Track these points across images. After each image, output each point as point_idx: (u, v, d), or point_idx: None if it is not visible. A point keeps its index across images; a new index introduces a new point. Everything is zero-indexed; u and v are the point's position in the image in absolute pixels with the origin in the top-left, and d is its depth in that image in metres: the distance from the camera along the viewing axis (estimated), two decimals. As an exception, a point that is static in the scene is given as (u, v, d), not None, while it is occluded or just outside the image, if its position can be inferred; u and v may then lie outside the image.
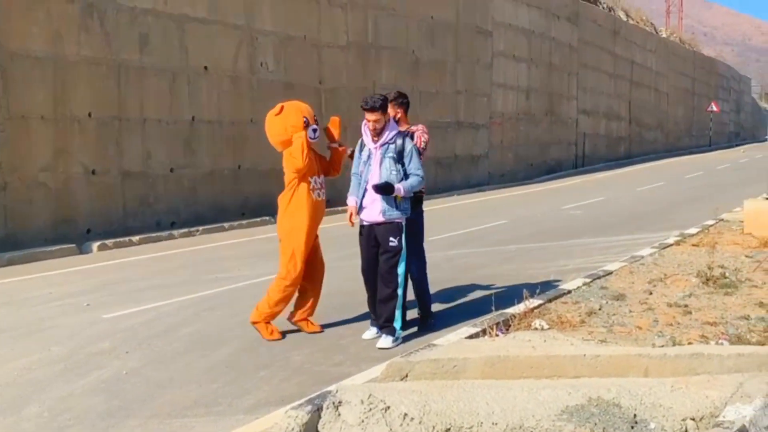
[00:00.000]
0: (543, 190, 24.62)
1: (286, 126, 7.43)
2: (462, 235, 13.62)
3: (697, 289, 7.87)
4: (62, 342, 7.26)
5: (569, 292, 7.88)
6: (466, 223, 14.99)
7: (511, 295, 8.17)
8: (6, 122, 12.48)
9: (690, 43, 62.60)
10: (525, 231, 14.41)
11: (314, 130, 7.38)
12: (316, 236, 7.60)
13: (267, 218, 16.98)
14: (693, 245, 10.65)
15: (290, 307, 7.60)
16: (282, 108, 7.56)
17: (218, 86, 16.56)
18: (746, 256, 9.61)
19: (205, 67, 16.20)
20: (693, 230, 12.41)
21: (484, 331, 6.18)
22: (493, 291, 8.23)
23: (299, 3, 18.63)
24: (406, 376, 5.25)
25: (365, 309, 7.64)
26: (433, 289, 7.92)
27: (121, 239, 13.72)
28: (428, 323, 7.47)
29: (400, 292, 6.95)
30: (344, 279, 9.24)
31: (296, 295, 7.59)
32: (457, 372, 5.21)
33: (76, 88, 13.60)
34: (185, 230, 15.06)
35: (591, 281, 8.41)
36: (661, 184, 25.43)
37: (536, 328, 6.25)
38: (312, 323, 7.56)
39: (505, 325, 6.35)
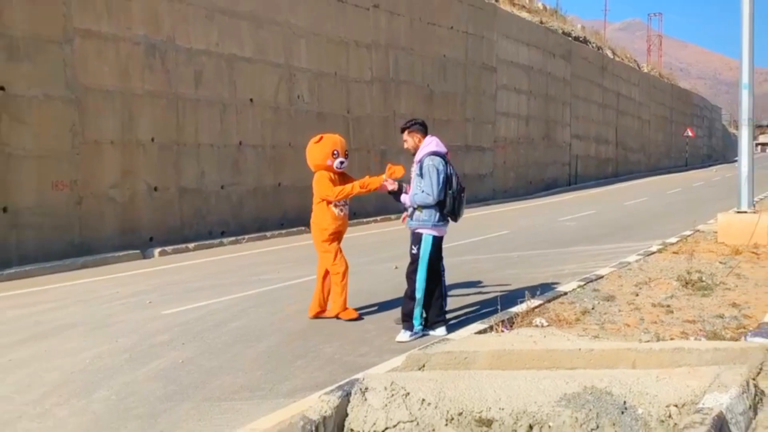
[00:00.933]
0: (541, 204, 24.44)
1: (320, 153, 7.53)
2: (470, 244, 13.53)
3: (677, 291, 7.73)
4: (127, 335, 7.26)
5: (566, 293, 7.77)
6: (473, 233, 14.89)
7: (514, 295, 8.09)
8: (81, 146, 12.57)
9: (668, 77, 62.14)
10: (525, 240, 14.30)
11: (341, 162, 7.51)
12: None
13: (303, 228, 16.96)
14: (674, 253, 10.47)
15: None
16: (321, 138, 7.63)
17: (261, 115, 16.60)
18: (720, 263, 9.43)
19: (251, 99, 16.25)
20: (673, 239, 12.24)
21: (491, 328, 6.10)
22: (498, 292, 8.15)
23: (331, 44, 18.66)
24: (424, 366, 5.18)
25: (387, 308, 7.61)
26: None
27: (179, 246, 13.75)
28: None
29: (418, 295, 6.75)
30: (371, 281, 9.18)
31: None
32: (468, 363, 5.14)
33: (141, 118, 13.69)
34: (233, 239, 15.08)
35: (584, 284, 8.29)
36: (645, 199, 25.17)
37: (537, 325, 6.16)
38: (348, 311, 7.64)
39: (510, 323, 6.27)
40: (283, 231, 16.43)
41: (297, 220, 17.28)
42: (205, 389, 5.59)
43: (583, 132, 36.50)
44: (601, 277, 8.80)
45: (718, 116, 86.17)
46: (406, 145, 7.03)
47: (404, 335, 6.81)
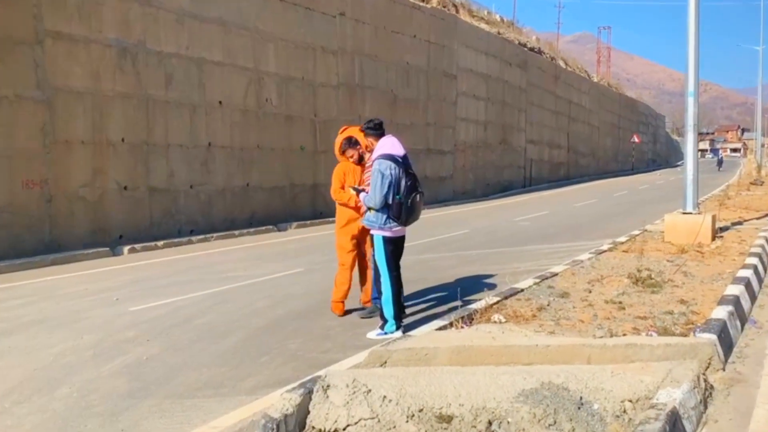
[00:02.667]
0: (497, 205, 24.43)
1: (337, 145, 7.48)
2: (431, 242, 13.38)
3: (628, 288, 7.64)
4: (93, 331, 6.95)
5: (522, 290, 7.63)
6: (434, 232, 14.76)
7: (473, 292, 7.97)
8: (52, 146, 12.15)
9: (616, 87, 62.97)
10: (483, 239, 14.20)
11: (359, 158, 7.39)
12: (358, 238, 7.33)
13: (271, 227, 16.70)
14: (623, 251, 10.42)
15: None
16: (344, 129, 7.57)
17: (230, 118, 16.27)
18: (668, 261, 9.38)
19: (220, 102, 15.91)
20: (623, 239, 12.18)
21: (451, 324, 5.93)
22: (457, 289, 8.00)
23: (299, 50, 18.39)
24: (385, 362, 5.00)
25: (350, 304, 7.42)
26: (407, 288, 7.65)
27: (148, 243, 13.38)
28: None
29: (384, 294, 6.44)
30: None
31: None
32: (428, 359, 4.98)
33: (111, 118, 13.29)
34: (202, 237, 14.73)
35: (540, 281, 8.14)
36: (595, 200, 25.32)
37: (495, 322, 6.01)
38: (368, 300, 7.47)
39: (469, 319, 6.10)
40: (252, 230, 16.11)
41: (265, 219, 17.01)
42: (169, 386, 5.34)
43: (537, 137, 36.68)
44: (556, 274, 8.69)
45: (662, 124, 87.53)
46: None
47: (372, 333, 6.62)
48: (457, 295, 6.78)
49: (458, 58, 27.06)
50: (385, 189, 6.05)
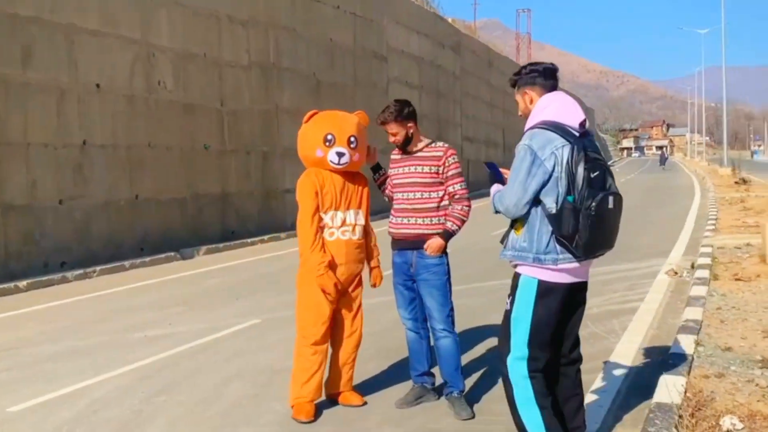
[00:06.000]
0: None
1: (306, 139, 5.11)
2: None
3: None
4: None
5: (687, 356, 5.47)
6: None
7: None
8: None
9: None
10: (475, 260, 12.30)
11: (339, 154, 4.97)
12: (349, 291, 5.18)
13: (171, 254, 14.24)
14: (735, 279, 8.51)
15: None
16: (311, 115, 5.17)
17: (112, 106, 13.74)
18: None
19: (97, 85, 13.37)
20: (701, 260, 10.44)
21: None
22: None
23: (199, 18, 16.07)
24: None
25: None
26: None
27: (5, 286, 10.72)
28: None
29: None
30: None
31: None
32: None
33: (-55, 104, 10.59)
34: (80, 271, 12.13)
35: (695, 337, 6.06)
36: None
37: (730, 430, 4.05)
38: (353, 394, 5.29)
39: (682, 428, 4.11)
40: (146, 259, 13.60)
41: (161, 243, 14.53)
42: None
43: (473, 134, 35.57)
44: (699, 322, 6.70)
45: (591, 118, 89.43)
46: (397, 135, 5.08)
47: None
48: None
49: (388, 36, 25.35)
50: (534, 186, 3.66)
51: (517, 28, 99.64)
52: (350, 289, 5.14)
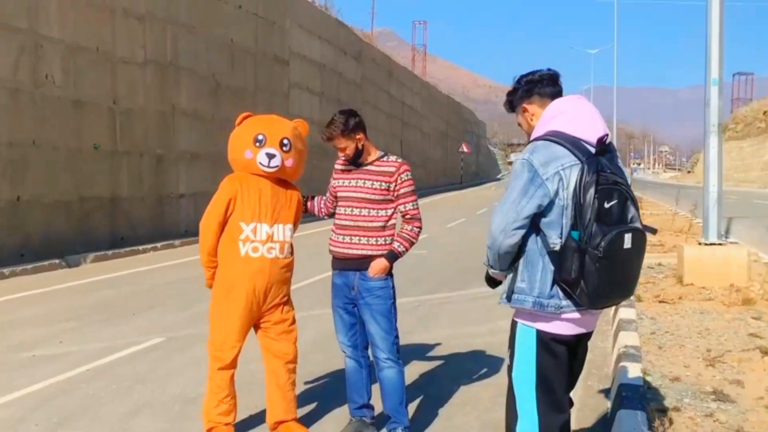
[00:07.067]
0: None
1: (235, 141, 4.57)
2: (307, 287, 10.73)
3: None
4: None
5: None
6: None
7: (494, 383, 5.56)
8: None
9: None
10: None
11: (269, 155, 4.43)
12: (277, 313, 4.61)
13: (56, 261, 13.16)
14: (659, 301, 8.31)
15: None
16: (244, 118, 4.67)
17: (-7, 99, 12.61)
18: (753, 318, 7.43)
19: (-23, 75, 12.22)
20: None
21: None
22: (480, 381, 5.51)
23: (92, 9, 15.02)
24: None
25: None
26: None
27: None
28: None
29: None
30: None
31: None
32: None
33: None
34: (-49, 280, 11.00)
35: (643, 368, 5.63)
36: (464, 219, 23.91)
37: None
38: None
39: None
40: (28, 266, 12.48)
41: (45, 248, 13.42)
42: None
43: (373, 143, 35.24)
44: (639, 348, 6.22)
45: (483, 133, 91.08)
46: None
47: None
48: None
49: (291, 40, 24.69)
50: (529, 209, 3.02)
51: (412, 40, 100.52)
52: (279, 311, 4.58)
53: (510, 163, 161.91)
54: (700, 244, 9.72)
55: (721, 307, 8.14)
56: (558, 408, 3.16)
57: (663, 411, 4.71)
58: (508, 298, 3.13)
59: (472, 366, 6.35)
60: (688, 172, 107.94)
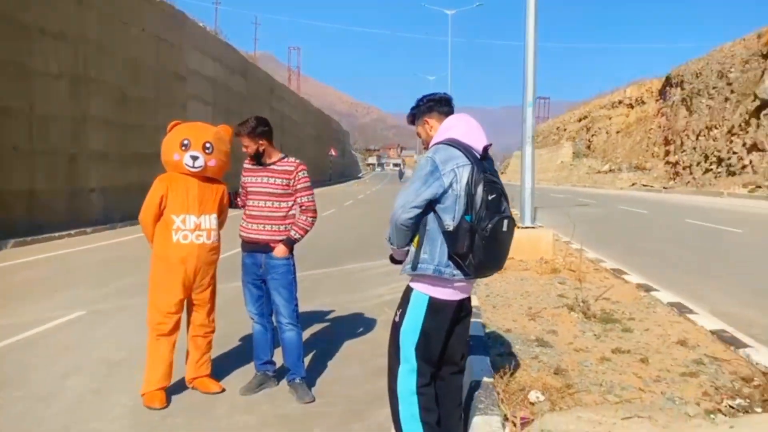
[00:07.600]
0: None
1: (166, 146, 4.47)
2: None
3: (588, 325, 5.81)
4: None
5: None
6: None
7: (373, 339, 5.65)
8: None
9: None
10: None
11: (193, 157, 4.36)
12: (206, 288, 4.57)
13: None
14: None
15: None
16: (174, 125, 4.55)
17: None
18: (559, 283, 7.85)
19: None
20: None
21: (504, 423, 3.63)
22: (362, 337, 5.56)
23: (12, 27, 13.94)
24: None
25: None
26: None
27: None
28: None
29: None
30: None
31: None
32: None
33: None
34: None
35: (482, 321, 5.88)
36: (333, 210, 23.88)
37: (534, 401, 3.88)
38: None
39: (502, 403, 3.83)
40: (-47, 253, 11.50)
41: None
42: None
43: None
44: (479, 307, 6.53)
45: (348, 140, 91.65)
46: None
47: None
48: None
49: (187, 59, 23.85)
50: (426, 194, 3.15)
51: (288, 62, 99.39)
52: (204, 288, 4.54)
53: (368, 164, 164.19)
54: (518, 227, 10.23)
55: (536, 275, 8.65)
56: (432, 362, 3.30)
57: (500, 355, 4.94)
58: (414, 267, 3.22)
59: (352, 326, 6.44)
60: (502, 173, 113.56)
